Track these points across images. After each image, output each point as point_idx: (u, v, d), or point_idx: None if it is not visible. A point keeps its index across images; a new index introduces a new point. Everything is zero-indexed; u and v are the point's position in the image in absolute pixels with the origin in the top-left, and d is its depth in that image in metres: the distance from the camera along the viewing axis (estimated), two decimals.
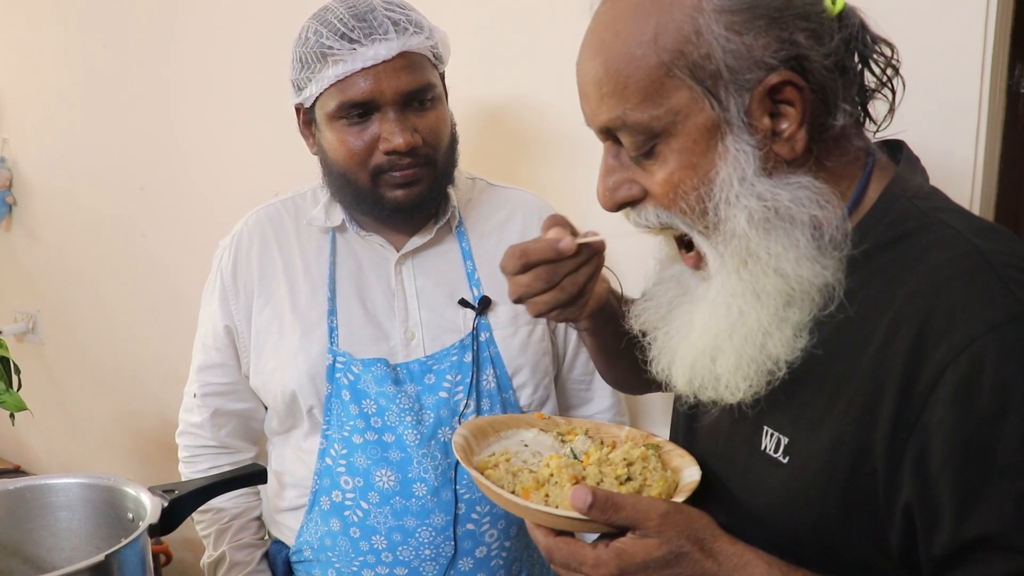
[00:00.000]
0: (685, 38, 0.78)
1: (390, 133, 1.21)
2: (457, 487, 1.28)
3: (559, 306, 0.96)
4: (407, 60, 1.21)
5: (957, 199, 0.86)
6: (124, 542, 0.96)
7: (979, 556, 0.72)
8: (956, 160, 1.19)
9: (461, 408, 1.29)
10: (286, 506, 1.37)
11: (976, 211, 1.20)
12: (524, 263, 0.93)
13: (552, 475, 0.90)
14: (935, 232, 0.79)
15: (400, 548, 1.27)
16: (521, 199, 1.42)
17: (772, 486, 0.85)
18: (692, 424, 0.99)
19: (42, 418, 2.37)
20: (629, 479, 0.90)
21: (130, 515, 1.10)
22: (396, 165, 1.23)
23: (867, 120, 0.87)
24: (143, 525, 1.01)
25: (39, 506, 1.13)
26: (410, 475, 1.26)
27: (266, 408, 1.41)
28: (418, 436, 1.27)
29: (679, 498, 0.87)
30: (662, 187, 0.82)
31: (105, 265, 2.41)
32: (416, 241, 1.34)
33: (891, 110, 0.86)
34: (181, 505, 1.10)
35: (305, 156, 1.35)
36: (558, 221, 0.97)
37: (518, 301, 0.97)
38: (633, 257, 1.05)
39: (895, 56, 0.85)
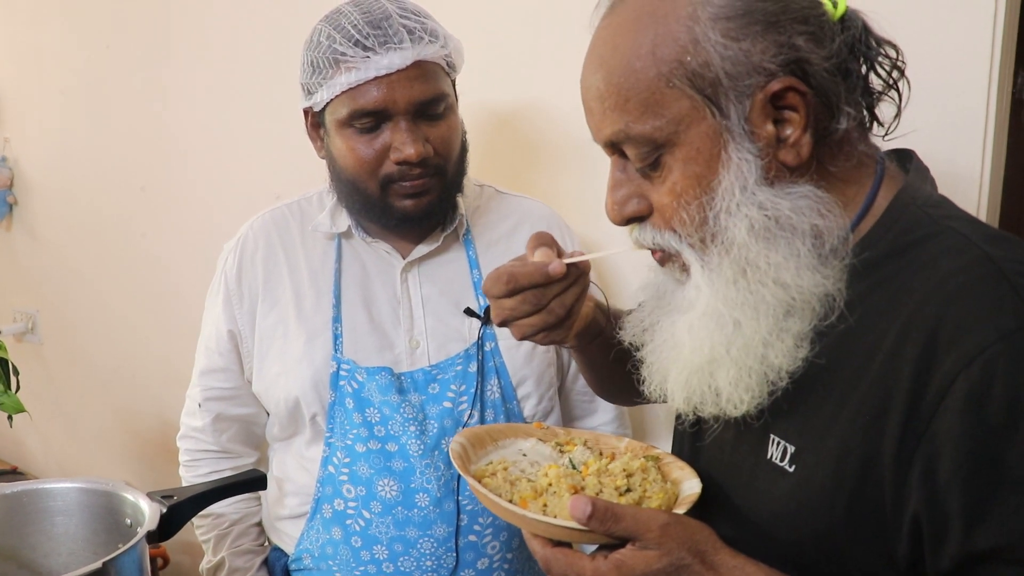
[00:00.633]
0: (683, 48, 0.78)
1: (401, 143, 1.20)
2: (460, 498, 1.27)
3: (546, 329, 0.95)
4: (421, 69, 1.19)
5: (963, 206, 0.85)
6: (122, 549, 0.95)
7: (987, 568, 0.71)
8: (962, 167, 1.19)
9: (465, 418, 1.28)
10: (287, 513, 1.36)
11: (982, 218, 1.19)
12: (512, 288, 0.92)
13: (550, 485, 0.89)
14: (945, 239, 0.78)
15: (401, 559, 1.26)
16: (529, 208, 1.41)
17: (778, 496, 0.84)
18: (696, 443, 0.98)
19: (40, 418, 2.36)
20: (628, 490, 0.88)
21: (128, 521, 1.09)
22: (406, 175, 1.22)
23: (873, 124, 0.87)
24: (141, 531, 1.00)
25: (36, 511, 1.12)
26: (413, 485, 1.25)
27: (268, 414, 1.40)
28: (421, 446, 1.26)
29: (679, 510, 0.85)
30: (666, 197, 0.82)
31: (105, 265, 2.41)
32: (423, 249, 1.33)
33: (898, 113, 0.86)
34: (180, 511, 1.09)
35: (306, 158, 1.34)
36: (544, 240, 0.95)
37: (502, 324, 0.96)
38: (641, 268, 1.04)
39: (900, 57, 0.84)
